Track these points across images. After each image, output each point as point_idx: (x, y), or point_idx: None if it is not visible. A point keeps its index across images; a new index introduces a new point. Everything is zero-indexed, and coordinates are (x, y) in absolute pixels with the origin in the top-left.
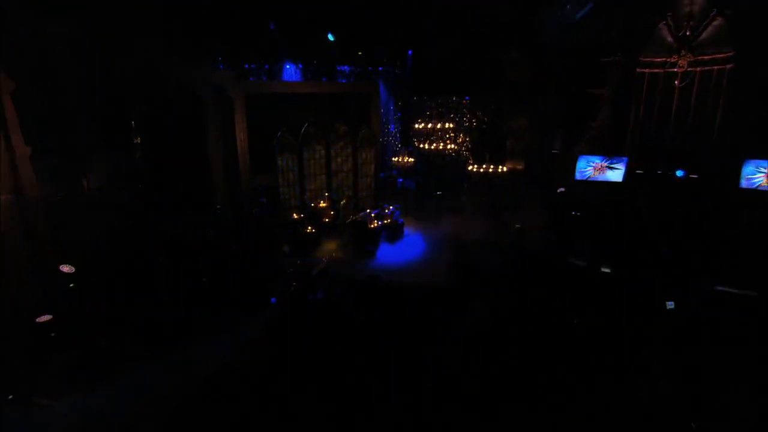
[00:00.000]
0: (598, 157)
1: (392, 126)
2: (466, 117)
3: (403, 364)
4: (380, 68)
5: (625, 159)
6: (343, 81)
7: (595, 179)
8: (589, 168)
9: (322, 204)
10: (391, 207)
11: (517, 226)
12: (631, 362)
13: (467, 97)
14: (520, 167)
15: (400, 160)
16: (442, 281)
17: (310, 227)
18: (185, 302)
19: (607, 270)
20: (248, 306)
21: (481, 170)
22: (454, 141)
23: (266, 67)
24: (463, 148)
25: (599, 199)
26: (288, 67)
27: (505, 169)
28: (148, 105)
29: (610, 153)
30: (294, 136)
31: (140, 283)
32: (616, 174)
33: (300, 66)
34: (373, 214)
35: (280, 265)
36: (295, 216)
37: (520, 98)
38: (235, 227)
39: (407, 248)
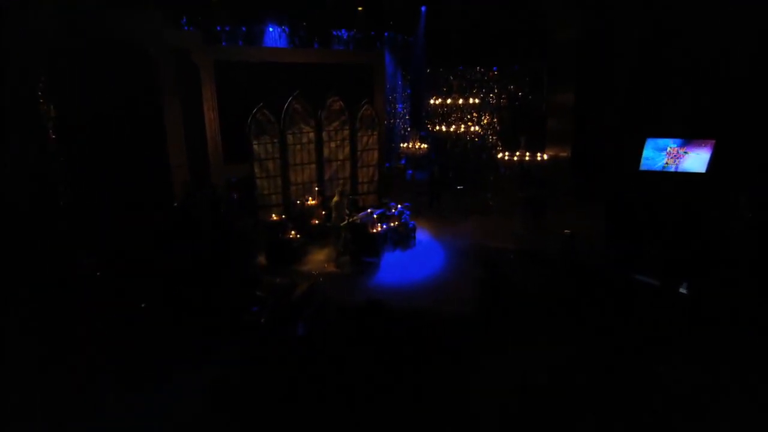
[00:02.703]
0: (673, 139)
1: (400, 105)
2: (493, 93)
3: None
4: (386, 33)
5: (711, 142)
6: (340, 48)
7: (669, 170)
8: (660, 155)
9: (311, 201)
10: (398, 206)
11: (566, 231)
12: None
13: (495, 68)
14: (564, 154)
15: (410, 146)
16: (469, 308)
17: (294, 232)
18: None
19: (685, 291)
20: (187, 351)
21: (515, 158)
22: (477, 122)
23: (243, 29)
24: (489, 132)
25: (677, 197)
26: (271, 30)
27: (545, 157)
28: (66, 73)
29: (690, 135)
30: (276, 115)
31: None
32: (697, 162)
33: (286, 29)
34: (375, 215)
35: (250, 286)
36: (275, 217)
37: (567, 66)
38: (188, 234)
39: (420, 260)
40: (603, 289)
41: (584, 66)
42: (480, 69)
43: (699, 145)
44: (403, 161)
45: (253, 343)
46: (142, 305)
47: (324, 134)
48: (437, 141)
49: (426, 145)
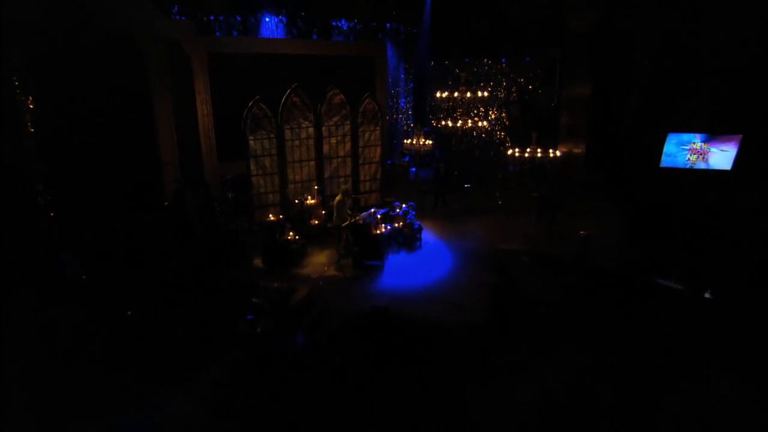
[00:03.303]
0: (696, 135)
1: (402, 100)
2: (501, 86)
3: None
4: (388, 24)
5: (737, 138)
6: (340, 40)
7: (692, 167)
8: (682, 151)
9: (310, 201)
10: (403, 205)
11: (582, 232)
12: None
13: (503, 60)
14: (578, 151)
15: (414, 142)
16: (481, 316)
17: (292, 233)
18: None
19: (710, 296)
20: (176, 364)
21: (526, 155)
22: (484, 117)
23: (238, 18)
24: (497, 127)
25: (700, 196)
26: (267, 20)
27: (558, 153)
28: (46, 62)
29: (715, 129)
30: (273, 109)
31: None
32: (723, 159)
33: (283, 19)
34: (379, 215)
35: (245, 291)
36: (272, 217)
37: (583, 57)
38: (181, 234)
39: (426, 263)
40: (623, 295)
41: (601, 56)
42: (487, 61)
43: (724, 141)
44: (406, 159)
45: (248, 355)
46: (129, 312)
47: (324, 129)
48: (442, 137)
49: (430, 142)
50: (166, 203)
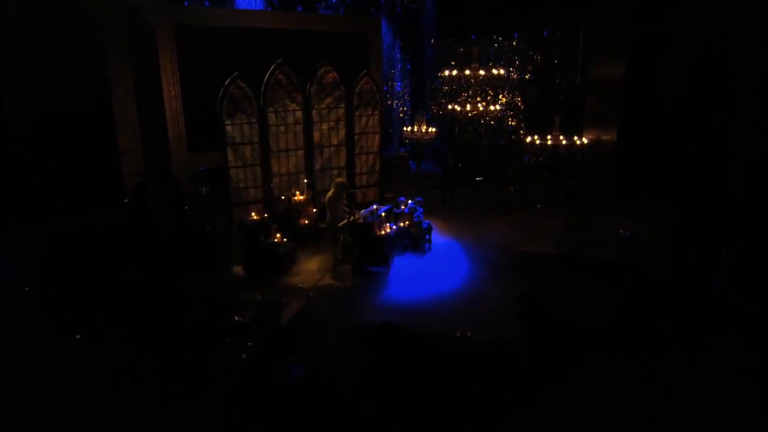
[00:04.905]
0: None
1: (398, 84)
2: (514, 66)
3: None
4: None
5: None
6: (329, 13)
7: None
8: None
9: (299, 197)
10: (409, 201)
11: (623, 232)
12: None
13: (516, 34)
14: (608, 138)
15: (416, 130)
16: (512, 334)
17: (279, 234)
18: None
19: None
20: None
21: (548, 143)
22: (493, 101)
23: None
24: (508, 113)
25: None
26: None
27: (584, 140)
28: None
29: None
30: (255, 89)
31: None
32: None
33: None
34: (382, 213)
35: (224, 307)
36: (255, 216)
37: (616, 26)
38: (145, 237)
39: (438, 269)
40: (681, 307)
41: (639, 23)
42: (497, 37)
43: None
44: (403, 150)
45: (232, 391)
46: (78, 336)
47: (314, 113)
48: (444, 125)
49: (434, 129)
50: (125, 200)
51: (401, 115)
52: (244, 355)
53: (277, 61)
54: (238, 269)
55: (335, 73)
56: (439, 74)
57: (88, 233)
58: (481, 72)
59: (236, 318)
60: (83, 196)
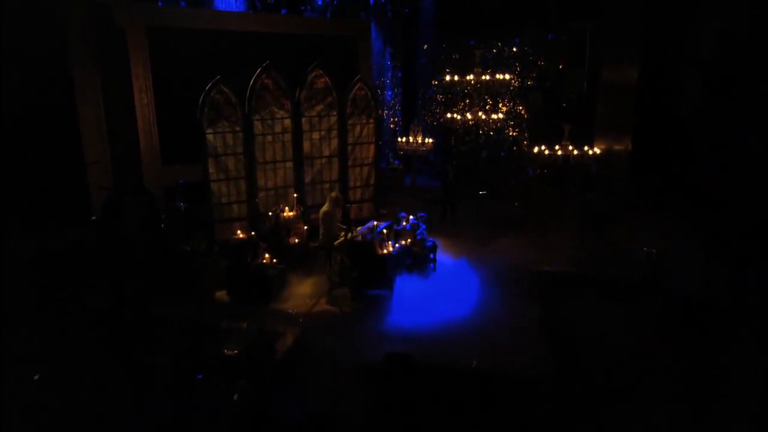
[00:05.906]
0: None
1: (389, 93)
2: (515, 72)
3: None
4: (371, 0)
5: None
6: (314, 16)
7: None
8: None
9: (288, 213)
10: (411, 217)
11: (648, 250)
12: None
13: (517, 39)
14: (621, 147)
15: (411, 141)
16: (542, 366)
17: (267, 254)
18: None
19: None
20: None
21: (558, 153)
22: (494, 109)
23: None
24: (509, 122)
25: None
26: None
27: (597, 150)
28: None
29: None
30: (240, 95)
31: None
32: None
33: None
34: (383, 230)
35: (210, 336)
36: (239, 234)
37: (628, 27)
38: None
39: (446, 291)
40: (719, 329)
41: (653, 24)
42: (497, 42)
43: None
44: (397, 162)
45: None
46: (36, 377)
47: (304, 122)
48: (439, 135)
49: (431, 140)
50: (93, 217)
51: (392, 125)
52: (235, 396)
53: (264, 64)
54: (221, 294)
55: (327, 78)
56: (437, 81)
57: (50, 254)
58: (485, 77)
59: (228, 353)
60: (44, 212)
